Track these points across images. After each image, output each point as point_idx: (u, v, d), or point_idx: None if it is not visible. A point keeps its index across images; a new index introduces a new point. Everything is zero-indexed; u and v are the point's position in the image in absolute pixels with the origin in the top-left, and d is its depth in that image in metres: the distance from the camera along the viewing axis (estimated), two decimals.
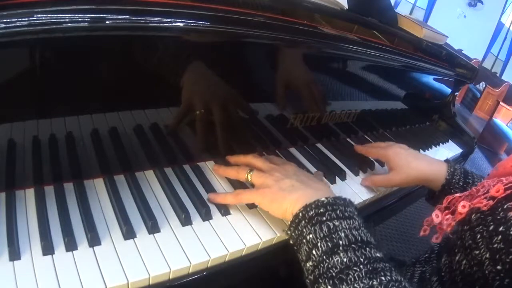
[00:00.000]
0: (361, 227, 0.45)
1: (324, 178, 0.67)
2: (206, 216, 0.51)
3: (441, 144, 1.11)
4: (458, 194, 0.49)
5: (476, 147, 1.21)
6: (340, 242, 0.42)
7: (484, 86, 5.33)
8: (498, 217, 0.40)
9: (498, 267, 0.38)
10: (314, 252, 0.43)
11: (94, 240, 0.42)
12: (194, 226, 0.49)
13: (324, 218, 0.44)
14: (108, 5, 0.40)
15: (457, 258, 0.44)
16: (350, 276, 0.38)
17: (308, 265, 0.43)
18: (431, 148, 1.04)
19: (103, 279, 0.39)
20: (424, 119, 1.20)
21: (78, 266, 0.39)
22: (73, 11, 0.37)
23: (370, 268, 0.39)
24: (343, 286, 0.38)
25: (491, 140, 3.86)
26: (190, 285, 0.44)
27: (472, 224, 0.43)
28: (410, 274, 0.59)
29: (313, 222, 0.45)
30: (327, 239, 0.42)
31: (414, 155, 0.69)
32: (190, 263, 0.44)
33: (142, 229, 0.46)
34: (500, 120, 4.18)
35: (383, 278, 0.38)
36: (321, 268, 0.41)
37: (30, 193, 0.46)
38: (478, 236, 0.41)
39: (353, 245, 0.41)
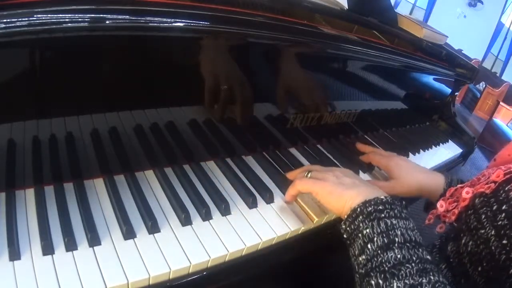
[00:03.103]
0: (415, 229, 0.46)
1: None
2: (206, 216, 0.51)
3: (441, 144, 1.11)
4: (460, 185, 0.52)
5: (476, 147, 1.21)
6: (396, 239, 0.43)
7: (484, 86, 5.32)
8: (501, 198, 0.44)
9: (504, 242, 0.41)
10: (369, 246, 0.44)
11: (94, 240, 0.42)
12: (194, 226, 0.49)
13: (383, 215, 0.46)
14: (108, 5, 0.40)
15: (463, 241, 0.47)
16: (402, 272, 0.40)
17: (360, 258, 0.44)
18: (431, 148, 1.04)
19: (103, 279, 0.39)
20: (424, 119, 1.21)
21: (78, 266, 0.39)
22: (73, 11, 0.37)
23: (421, 267, 0.40)
24: (394, 281, 0.40)
25: (491, 140, 3.86)
26: (190, 285, 0.44)
27: (476, 207, 0.46)
28: None
29: (371, 217, 0.46)
30: (384, 235, 0.44)
31: (414, 167, 0.72)
32: (190, 263, 0.44)
33: (142, 229, 0.46)
34: (500, 120, 4.18)
35: (431, 277, 0.40)
36: (374, 262, 0.42)
37: (30, 193, 0.46)
38: (483, 216, 0.45)
39: (407, 244, 0.43)
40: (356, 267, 0.45)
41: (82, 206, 0.46)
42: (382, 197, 0.48)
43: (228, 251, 0.47)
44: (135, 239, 0.45)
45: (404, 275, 0.40)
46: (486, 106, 5.07)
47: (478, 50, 6.85)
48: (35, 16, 0.35)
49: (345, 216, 0.49)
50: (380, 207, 0.46)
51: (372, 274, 0.42)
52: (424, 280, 0.39)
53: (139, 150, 0.54)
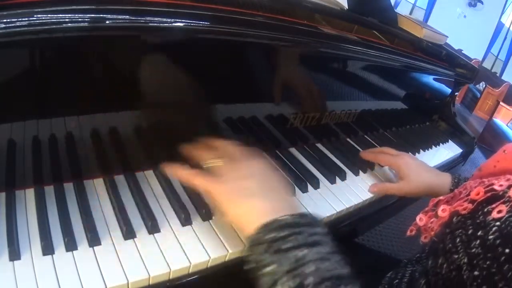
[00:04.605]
0: (332, 254, 0.39)
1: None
2: (206, 216, 0.51)
3: (441, 144, 1.11)
4: (442, 197, 0.48)
5: (476, 147, 1.21)
6: (309, 280, 0.35)
7: (484, 86, 5.33)
8: (478, 221, 0.38)
9: (476, 273, 0.36)
10: None
11: (94, 240, 0.42)
12: (194, 226, 0.49)
13: (289, 245, 0.37)
14: (108, 5, 0.40)
15: (439, 261, 0.43)
16: None
17: None
18: (431, 148, 1.04)
19: (103, 279, 0.39)
20: (424, 119, 1.20)
21: (78, 266, 0.39)
22: (73, 11, 0.37)
23: None
24: None
25: (491, 140, 3.86)
26: (190, 285, 0.44)
27: (452, 228, 0.42)
28: (401, 275, 0.59)
29: (275, 249, 0.37)
30: (293, 273, 0.36)
31: (423, 167, 0.71)
32: (190, 263, 0.44)
33: (142, 229, 0.46)
34: (500, 120, 4.18)
35: None
36: None
37: (30, 193, 0.46)
38: (458, 240, 0.40)
39: (325, 283, 0.36)
40: None
41: (82, 206, 0.46)
42: (285, 216, 0.40)
43: (228, 251, 0.47)
44: (135, 239, 0.45)
45: None
46: (486, 106, 5.07)
47: (478, 50, 6.85)
48: (35, 16, 0.35)
49: (245, 243, 0.41)
50: (284, 233, 0.38)
51: None
52: None
53: (139, 150, 0.54)
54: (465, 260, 0.38)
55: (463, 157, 1.15)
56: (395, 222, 1.78)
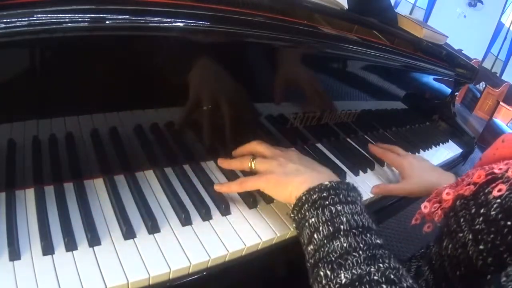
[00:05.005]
0: (363, 213, 0.45)
1: None
2: (206, 216, 0.51)
3: (441, 144, 1.11)
4: (445, 185, 0.50)
5: (476, 147, 1.21)
6: (342, 227, 0.42)
7: (484, 86, 5.33)
8: (480, 201, 0.41)
9: (481, 247, 0.39)
10: (315, 236, 0.43)
11: (94, 240, 0.42)
12: (194, 226, 0.49)
13: (327, 202, 0.45)
14: (108, 5, 0.40)
15: (444, 244, 0.46)
16: (349, 261, 0.39)
17: (309, 248, 0.43)
18: (431, 148, 1.04)
19: (103, 279, 0.39)
20: (424, 119, 1.20)
21: (78, 266, 0.39)
22: (73, 11, 0.37)
23: (369, 254, 0.39)
24: (341, 271, 0.38)
25: (491, 140, 3.84)
26: (190, 285, 0.44)
27: (456, 210, 0.44)
28: (406, 268, 0.59)
29: (316, 206, 0.45)
30: (329, 223, 0.43)
31: (427, 167, 0.73)
32: (190, 263, 0.44)
33: (142, 229, 0.46)
34: (500, 120, 4.17)
35: (381, 265, 0.38)
36: (321, 252, 0.41)
37: (30, 193, 0.46)
38: (462, 220, 0.43)
39: (354, 230, 0.42)
40: (307, 256, 0.44)
41: (82, 206, 0.46)
42: (327, 182, 0.47)
43: (228, 251, 0.47)
44: (135, 239, 0.45)
45: (351, 265, 0.38)
46: (486, 106, 5.07)
47: (478, 50, 6.85)
48: (35, 16, 0.35)
49: (292, 206, 0.48)
50: (325, 194, 0.46)
51: (320, 264, 0.40)
52: (372, 269, 0.37)
53: (139, 150, 0.54)
54: (470, 237, 0.41)
55: (463, 157, 1.15)
56: (395, 222, 1.78)
